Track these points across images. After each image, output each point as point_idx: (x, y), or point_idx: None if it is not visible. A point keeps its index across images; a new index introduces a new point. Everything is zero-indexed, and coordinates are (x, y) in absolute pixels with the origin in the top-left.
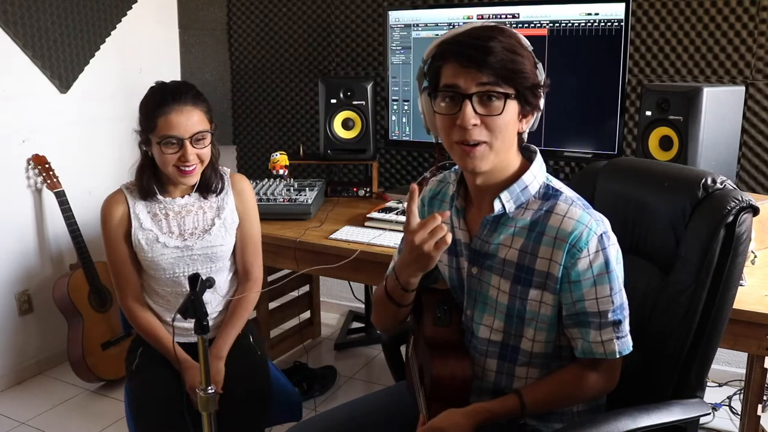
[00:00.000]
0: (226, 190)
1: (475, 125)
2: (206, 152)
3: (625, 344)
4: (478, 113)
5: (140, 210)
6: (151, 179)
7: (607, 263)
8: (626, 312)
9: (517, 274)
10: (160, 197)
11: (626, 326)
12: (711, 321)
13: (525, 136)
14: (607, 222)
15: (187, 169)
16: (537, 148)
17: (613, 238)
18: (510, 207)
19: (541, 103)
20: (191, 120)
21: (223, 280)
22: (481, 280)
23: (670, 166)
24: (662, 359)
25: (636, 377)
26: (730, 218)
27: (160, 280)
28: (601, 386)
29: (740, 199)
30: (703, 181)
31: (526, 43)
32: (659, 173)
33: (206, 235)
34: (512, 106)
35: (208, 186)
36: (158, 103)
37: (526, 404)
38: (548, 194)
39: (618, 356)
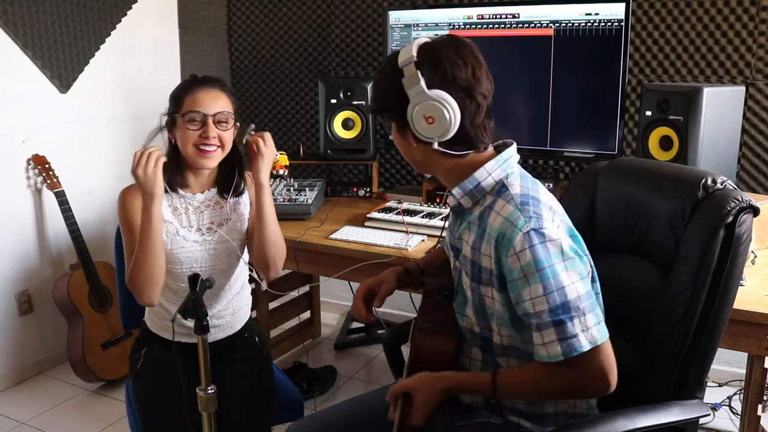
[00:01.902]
0: (243, 192)
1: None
2: (228, 137)
3: (571, 346)
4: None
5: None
6: (175, 172)
7: (536, 262)
8: (574, 312)
9: (472, 270)
10: (180, 191)
11: (573, 326)
12: (710, 321)
13: (472, 134)
14: (545, 218)
15: (206, 149)
16: (510, 147)
17: (553, 233)
18: (466, 202)
19: (410, 113)
20: (216, 100)
21: (237, 275)
22: (459, 274)
23: (670, 166)
24: (661, 359)
25: (636, 377)
26: (730, 218)
27: (176, 275)
28: (581, 384)
29: (740, 199)
30: (703, 181)
31: (398, 61)
32: (659, 173)
33: (222, 229)
34: (394, 126)
35: (228, 186)
36: (187, 85)
37: (498, 384)
38: (499, 191)
39: (562, 358)
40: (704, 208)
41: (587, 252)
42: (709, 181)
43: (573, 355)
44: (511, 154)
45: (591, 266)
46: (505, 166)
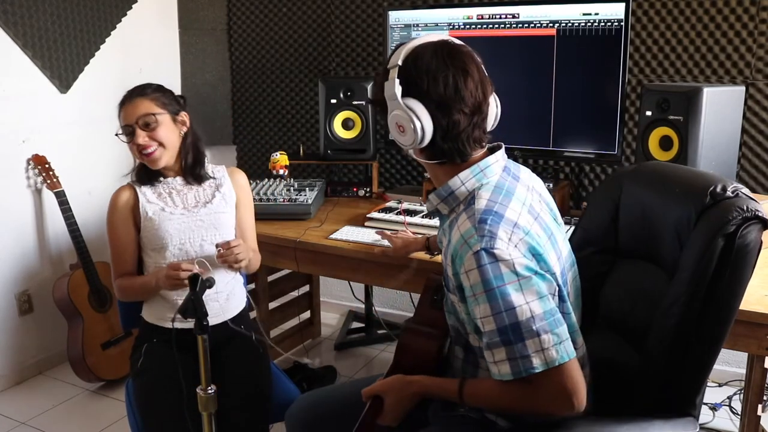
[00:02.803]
0: (222, 175)
1: None
2: (162, 134)
3: (520, 366)
4: None
5: (146, 190)
6: (148, 170)
7: (485, 282)
8: (525, 333)
9: (444, 276)
10: (161, 178)
11: (524, 347)
12: (705, 336)
13: (444, 147)
14: (500, 237)
15: (146, 152)
16: (492, 154)
17: (505, 253)
18: (443, 208)
19: (388, 117)
20: (137, 108)
21: None
22: None
23: (689, 171)
24: (653, 369)
25: (634, 383)
26: (731, 228)
27: (167, 251)
28: (542, 404)
29: (744, 209)
30: (711, 188)
31: (392, 61)
32: (674, 178)
33: (209, 205)
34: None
35: (191, 172)
36: (123, 98)
37: (464, 394)
38: (469, 202)
39: (511, 378)
40: (708, 217)
41: (555, 271)
42: (719, 189)
43: (523, 375)
44: (490, 163)
45: (559, 285)
46: (480, 176)
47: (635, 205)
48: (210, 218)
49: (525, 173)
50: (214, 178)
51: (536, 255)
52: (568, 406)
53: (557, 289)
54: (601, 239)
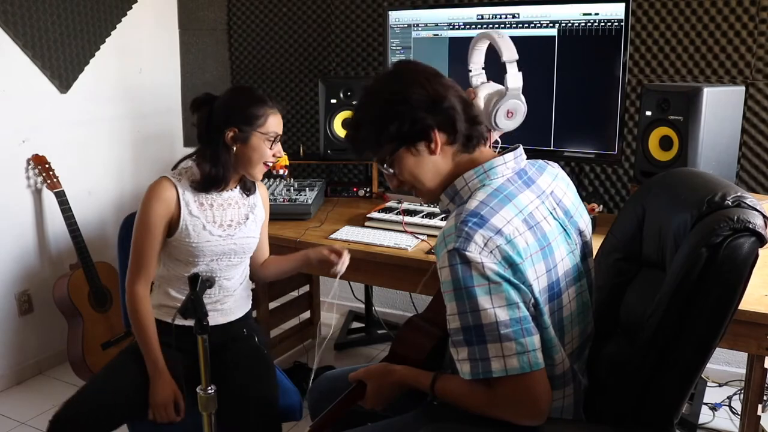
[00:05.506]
0: (256, 194)
1: (396, 185)
2: None
3: (479, 368)
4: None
5: (188, 198)
6: (222, 179)
7: (455, 281)
8: (488, 336)
9: None
10: (212, 190)
11: (485, 350)
12: (682, 351)
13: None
14: (475, 241)
15: (273, 163)
16: (500, 156)
17: (475, 257)
18: (452, 208)
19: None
20: (281, 122)
21: (241, 272)
22: None
23: (705, 178)
24: (630, 380)
25: (622, 394)
26: (717, 239)
27: (194, 266)
28: (503, 408)
29: (735, 219)
30: (710, 196)
31: (508, 55)
32: (686, 185)
33: (242, 227)
34: (399, 157)
35: (248, 186)
36: (262, 101)
37: (435, 388)
38: (464, 200)
39: (470, 377)
40: (699, 226)
41: (534, 284)
42: (717, 197)
43: (481, 377)
44: (495, 165)
45: (535, 298)
46: (483, 176)
47: (655, 212)
48: (242, 242)
49: (547, 177)
50: (254, 191)
51: (512, 265)
52: (525, 416)
53: (533, 300)
54: (627, 246)
